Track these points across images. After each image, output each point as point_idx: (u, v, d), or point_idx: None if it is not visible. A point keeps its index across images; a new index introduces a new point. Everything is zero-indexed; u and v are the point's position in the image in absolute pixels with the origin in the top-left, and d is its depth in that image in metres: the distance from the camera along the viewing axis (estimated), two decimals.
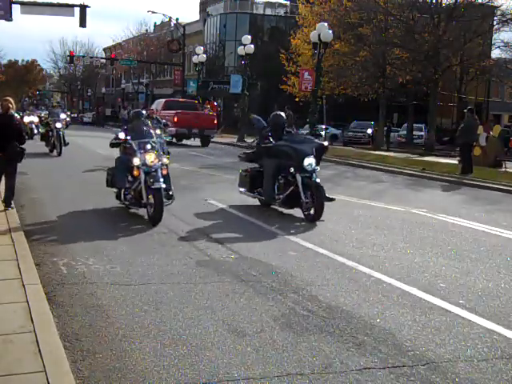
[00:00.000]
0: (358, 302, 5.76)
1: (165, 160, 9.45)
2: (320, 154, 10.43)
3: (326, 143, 11.17)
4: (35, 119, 31.07)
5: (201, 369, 4.19)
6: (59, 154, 20.48)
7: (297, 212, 10.24)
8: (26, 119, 29.48)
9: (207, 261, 7.13)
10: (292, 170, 9.89)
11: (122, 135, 9.89)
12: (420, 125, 42.20)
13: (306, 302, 5.67)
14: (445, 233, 9.40)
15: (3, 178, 9.73)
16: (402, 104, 42.51)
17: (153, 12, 54.99)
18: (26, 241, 7.38)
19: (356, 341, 4.77)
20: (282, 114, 11.42)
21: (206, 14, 60.45)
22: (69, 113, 29.45)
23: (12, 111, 9.75)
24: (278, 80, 41.29)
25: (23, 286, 5.52)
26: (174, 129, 10.63)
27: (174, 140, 8.88)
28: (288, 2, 56.57)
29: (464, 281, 6.66)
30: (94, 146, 25.40)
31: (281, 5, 57.96)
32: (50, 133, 21.17)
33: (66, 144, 20.94)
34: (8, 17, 28.11)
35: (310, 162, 9.79)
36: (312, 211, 9.70)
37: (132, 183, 9.60)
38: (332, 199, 10.13)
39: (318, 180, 9.87)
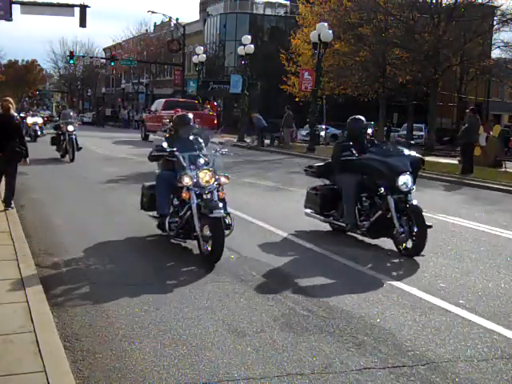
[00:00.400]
0: (358, 301, 5.76)
1: (223, 179, 7.47)
2: (416, 169, 8.24)
3: (418, 154, 8.51)
4: (39, 120, 30.33)
5: (201, 369, 4.19)
6: (72, 159, 18.68)
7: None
8: (30, 120, 28.68)
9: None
10: (382, 190, 7.95)
11: (166, 145, 7.68)
12: (420, 125, 42.21)
13: (305, 302, 5.67)
14: (445, 233, 9.39)
15: (3, 177, 9.74)
16: (402, 104, 42.45)
17: (153, 12, 54.94)
18: (26, 240, 7.38)
19: (356, 341, 4.77)
20: (362, 117, 9.03)
21: (206, 14, 60.47)
22: (71, 113, 29.15)
23: (12, 111, 9.77)
24: (278, 80, 41.24)
25: (23, 286, 5.53)
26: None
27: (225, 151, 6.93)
28: (288, 2, 56.58)
29: (464, 281, 6.66)
30: (94, 146, 25.42)
31: (281, 5, 57.98)
32: (62, 136, 19.37)
33: (78, 149, 19.17)
34: (8, 17, 28.10)
35: (405, 180, 7.80)
36: (410, 243, 7.68)
37: (178, 208, 7.56)
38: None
39: (415, 202, 7.82)
